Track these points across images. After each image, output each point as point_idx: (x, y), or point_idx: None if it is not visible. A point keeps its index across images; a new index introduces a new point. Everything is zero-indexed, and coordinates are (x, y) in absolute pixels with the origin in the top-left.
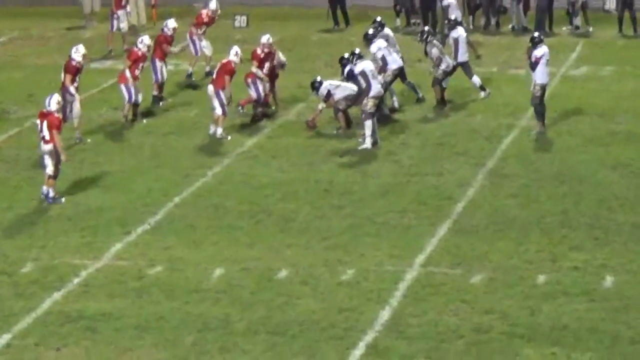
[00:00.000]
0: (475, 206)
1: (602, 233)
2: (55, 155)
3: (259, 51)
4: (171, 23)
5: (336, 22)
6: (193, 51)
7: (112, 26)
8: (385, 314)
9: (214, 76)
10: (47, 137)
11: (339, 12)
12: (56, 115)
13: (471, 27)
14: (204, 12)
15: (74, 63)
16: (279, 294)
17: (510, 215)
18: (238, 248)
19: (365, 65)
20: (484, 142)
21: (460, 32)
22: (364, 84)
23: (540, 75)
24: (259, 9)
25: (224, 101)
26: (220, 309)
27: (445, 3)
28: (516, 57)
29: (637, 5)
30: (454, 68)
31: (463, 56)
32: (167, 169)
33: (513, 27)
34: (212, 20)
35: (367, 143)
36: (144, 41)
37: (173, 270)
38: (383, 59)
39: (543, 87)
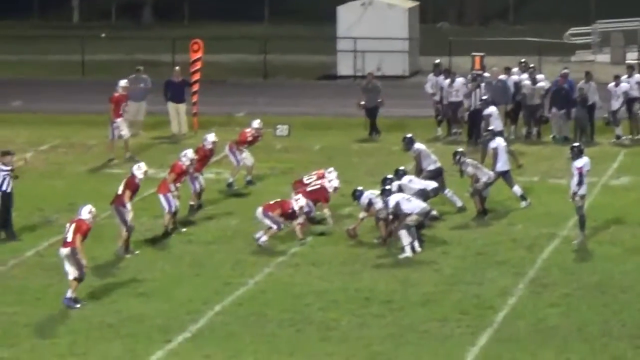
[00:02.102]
0: (517, 315)
1: None
2: (73, 258)
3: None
4: (211, 137)
5: (371, 132)
6: (234, 162)
7: (113, 135)
8: None
9: (270, 202)
10: (69, 240)
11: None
12: (87, 222)
13: (512, 136)
14: (248, 131)
15: (136, 180)
16: None
17: (552, 325)
18: (279, 357)
19: (397, 197)
20: (524, 251)
21: (499, 142)
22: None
23: (582, 186)
24: (300, 118)
25: (277, 218)
26: None
27: (486, 112)
28: (557, 167)
29: None
30: (496, 178)
31: (504, 166)
32: (208, 277)
33: (554, 137)
34: (255, 140)
35: (408, 251)
36: (188, 155)
37: None
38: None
39: (583, 197)
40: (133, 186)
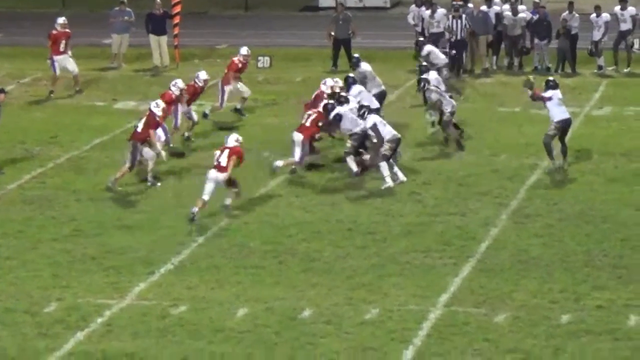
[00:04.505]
0: (499, 246)
1: (626, 272)
2: (231, 181)
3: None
4: (202, 75)
5: (335, 64)
6: (219, 100)
7: (55, 69)
8: (408, 354)
9: (305, 125)
10: (224, 164)
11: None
12: (240, 148)
13: (494, 67)
14: (236, 59)
15: (156, 118)
16: (303, 334)
17: (534, 255)
18: (262, 288)
19: (374, 119)
20: (507, 182)
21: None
22: (375, 137)
23: (556, 114)
24: (282, 50)
25: (306, 152)
26: (243, 349)
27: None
28: None
29: None
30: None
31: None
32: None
33: (536, 68)
34: (244, 66)
35: (389, 181)
36: (178, 84)
37: (197, 310)
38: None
39: (558, 126)
40: (154, 123)
